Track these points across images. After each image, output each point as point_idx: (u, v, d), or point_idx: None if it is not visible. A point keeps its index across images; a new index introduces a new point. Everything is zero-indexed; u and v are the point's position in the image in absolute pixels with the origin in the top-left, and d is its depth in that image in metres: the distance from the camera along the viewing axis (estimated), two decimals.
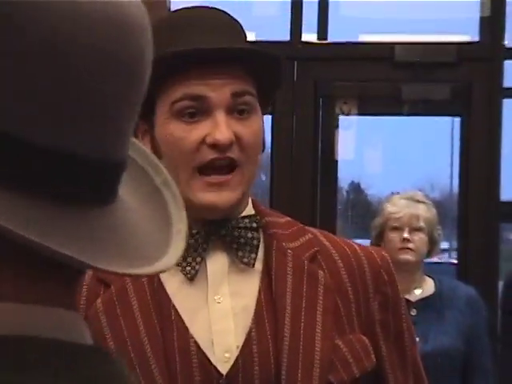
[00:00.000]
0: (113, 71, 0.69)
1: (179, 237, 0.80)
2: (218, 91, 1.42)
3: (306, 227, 1.64)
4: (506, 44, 5.29)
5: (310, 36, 5.43)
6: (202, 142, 1.42)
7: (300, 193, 4.88)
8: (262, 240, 1.55)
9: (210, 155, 1.42)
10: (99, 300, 1.50)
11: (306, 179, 4.96)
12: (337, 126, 5.44)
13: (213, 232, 1.50)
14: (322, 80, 5.09)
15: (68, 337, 0.73)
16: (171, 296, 1.49)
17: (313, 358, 1.48)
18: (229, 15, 1.54)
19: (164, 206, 0.84)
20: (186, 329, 1.47)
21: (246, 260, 1.49)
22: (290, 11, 5.26)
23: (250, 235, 1.50)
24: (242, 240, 1.50)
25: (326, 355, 1.48)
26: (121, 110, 0.72)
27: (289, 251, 1.53)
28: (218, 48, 1.44)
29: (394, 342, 1.61)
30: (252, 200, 1.59)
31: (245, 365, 1.47)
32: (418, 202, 3.65)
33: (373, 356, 1.55)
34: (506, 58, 5.27)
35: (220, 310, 1.48)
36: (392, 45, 5.21)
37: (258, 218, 1.54)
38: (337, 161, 5.44)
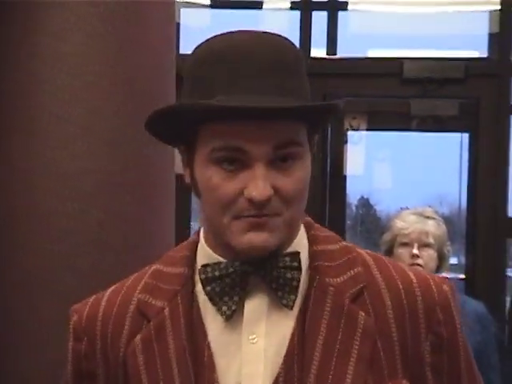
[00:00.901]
0: None
1: None
2: (259, 145, 1.36)
3: (361, 254, 1.52)
4: None
5: (319, 51, 5.41)
6: (240, 193, 1.37)
7: (309, 208, 4.84)
8: (303, 276, 1.47)
9: (246, 211, 1.37)
10: (138, 337, 1.49)
11: (315, 194, 4.93)
12: (346, 142, 5.42)
13: (251, 271, 1.44)
14: (331, 95, 5.06)
15: None
16: (209, 335, 1.46)
17: None
18: (289, 46, 1.44)
19: None
20: (215, 372, 1.44)
21: (284, 302, 1.42)
22: (299, 26, 5.25)
23: (289, 276, 1.43)
24: (282, 280, 1.43)
25: None
26: None
27: (330, 288, 1.45)
28: (268, 108, 1.35)
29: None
30: (306, 223, 1.53)
31: None
32: (428, 217, 3.62)
33: None
34: None
35: (252, 351, 1.44)
36: (401, 60, 5.18)
37: (301, 255, 1.45)
38: (346, 176, 5.43)
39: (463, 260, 5.50)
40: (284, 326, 1.42)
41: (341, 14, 5.90)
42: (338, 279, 1.43)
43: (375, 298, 1.43)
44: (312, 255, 1.46)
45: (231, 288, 1.42)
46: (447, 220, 3.87)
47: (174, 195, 3.16)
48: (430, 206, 4.13)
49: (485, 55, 5.46)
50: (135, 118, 2.89)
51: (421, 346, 1.42)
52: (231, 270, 1.41)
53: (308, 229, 1.50)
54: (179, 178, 3.29)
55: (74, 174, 2.86)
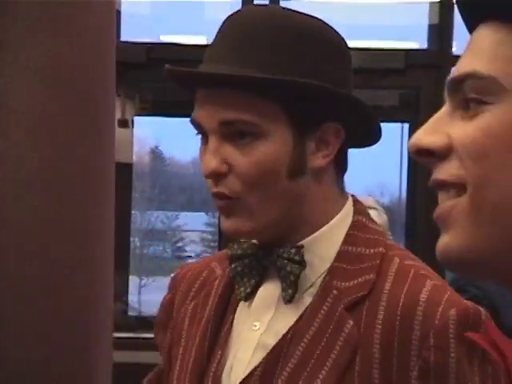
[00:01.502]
0: None
1: None
2: (207, 118, 1.35)
3: (389, 261, 1.43)
4: (453, 51, 5.40)
5: None
6: None
7: None
8: (320, 267, 1.44)
9: (210, 189, 1.38)
10: (192, 303, 1.53)
11: None
12: None
13: (262, 257, 1.44)
14: None
15: None
16: (236, 312, 1.49)
17: None
18: (271, 20, 1.39)
19: None
20: (224, 350, 1.48)
21: (283, 294, 1.41)
22: None
23: (288, 269, 1.40)
24: (283, 272, 1.41)
25: None
26: None
27: (334, 292, 1.40)
28: (204, 74, 1.36)
29: None
30: (354, 221, 1.45)
31: None
32: (369, 207, 3.55)
33: None
34: (453, 65, 5.23)
35: (250, 339, 1.45)
36: None
37: (327, 253, 1.42)
38: None
39: None
40: (287, 319, 1.41)
41: (282, 3, 5.90)
42: (347, 283, 1.39)
43: (370, 310, 1.36)
44: (338, 255, 1.41)
45: (250, 270, 1.42)
46: (388, 209, 3.93)
47: (113, 183, 3.19)
48: (370, 196, 4.17)
49: (425, 46, 5.58)
50: (75, 106, 2.88)
51: (409, 370, 1.34)
52: (249, 251, 1.41)
53: (352, 227, 1.43)
54: (120, 166, 3.31)
55: (10, 162, 2.87)
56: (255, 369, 1.41)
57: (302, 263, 1.38)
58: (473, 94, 0.84)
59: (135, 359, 4.81)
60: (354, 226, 1.43)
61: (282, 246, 1.39)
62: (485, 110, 0.83)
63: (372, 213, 3.48)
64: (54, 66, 3.10)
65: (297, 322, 1.40)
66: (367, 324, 1.34)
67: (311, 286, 1.40)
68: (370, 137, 1.54)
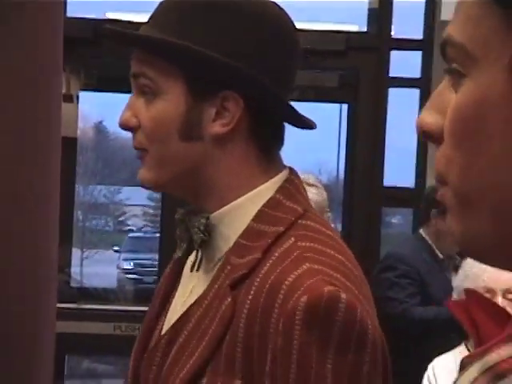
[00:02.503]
0: None
1: None
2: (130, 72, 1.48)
3: (284, 242, 1.40)
4: (392, 34, 5.48)
5: None
6: None
7: None
8: (217, 246, 1.46)
9: None
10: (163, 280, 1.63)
11: None
12: None
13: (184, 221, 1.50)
14: None
15: None
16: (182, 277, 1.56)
17: (177, 375, 1.41)
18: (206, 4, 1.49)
19: None
20: (164, 315, 1.54)
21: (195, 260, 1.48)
22: None
23: (195, 237, 1.43)
24: (193, 240, 1.45)
25: (185, 378, 1.40)
26: None
27: (228, 267, 1.41)
28: (116, 31, 1.50)
29: None
30: (270, 200, 1.45)
31: (146, 361, 1.51)
32: (309, 185, 3.64)
33: None
34: (392, 48, 5.49)
35: (174, 302, 1.52)
36: None
37: (208, 220, 1.43)
38: None
39: (339, 227, 5.72)
40: (202, 288, 1.43)
41: None
42: (240, 260, 1.39)
43: (247, 290, 1.36)
44: (244, 231, 1.42)
45: (183, 235, 1.45)
46: (326, 188, 4.00)
47: (59, 156, 3.27)
48: (311, 174, 4.25)
49: (364, 29, 5.68)
50: (21, 78, 2.94)
51: (267, 352, 1.34)
52: (181, 217, 1.45)
53: (265, 204, 1.43)
54: (64, 140, 3.36)
55: None
56: (163, 336, 1.47)
57: (204, 233, 1.40)
58: (454, 64, 0.76)
59: (77, 330, 4.93)
60: (268, 203, 1.43)
61: (199, 214, 1.43)
62: (461, 86, 0.75)
63: (313, 190, 3.56)
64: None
65: (202, 294, 1.43)
66: (241, 303, 1.35)
67: (219, 258, 1.42)
68: (295, 119, 1.54)
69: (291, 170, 1.48)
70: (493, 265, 0.80)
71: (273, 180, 1.43)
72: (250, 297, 1.33)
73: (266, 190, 1.42)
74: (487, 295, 3.14)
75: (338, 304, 1.26)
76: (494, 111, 0.72)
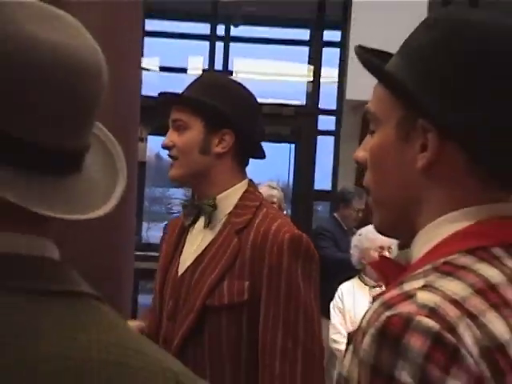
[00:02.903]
0: (57, 93, 0.90)
1: (115, 197, 1.01)
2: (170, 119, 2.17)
3: (261, 210, 2.13)
4: (319, 106, 8.10)
5: None
6: None
7: None
8: (225, 211, 2.15)
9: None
10: (170, 237, 2.31)
11: None
12: None
13: (196, 205, 2.20)
14: None
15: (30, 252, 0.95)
16: (187, 237, 2.25)
17: (204, 285, 2.08)
18: (221, 80, 2.23)
19: (114, 173, 1.06)
20: (178, 258, 2.24)
21: (204, 223, 2.16)
22: None
23: (206, 209, 2.15)
24: (204, 211, 2.17)
25: (212, 284, 2.07)
26: (62, 123, 0.92)
27: (230, 224, 2.11)
28: (169, 94, 2.16)
29: (274, 295, 2.02)
30: (247, 190, 2.17)
31: (179, 280, 2.19)
32: (273, 187, 5.54)
33: (246, 295, 2.03)
34: (319, 114, 8.28)
35: (191, 251, 2.20)
36: None
37: (213, 201, 2.14)
38: None
39: (289, 213, 8.12)
40: (208, 239, 2.16)
41: (236, 61, 8.48)
42: (237, 220, 2.09)
43: (247, 234, 2.06)
44: (235, 206, 2.13)
45: (190, 211, 2.22)
46: (282, 189, 6.06)
47: (136, 171, 3.60)
48: (274, 181, 6.19)
49: (304, 103, 8.15)
50: (113, 129, 3.18)
51: (264, 266, 2.03)
52: (189, 202, 2.24)
53: (244, 193, 2.16)
54: (140, 163, 4.21)
55: None
56: (188, 268, 2.16)
57: (213, 206, 2.12)
58: (370, 124, 1.14)
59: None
60: (244, 193, 2.14)
61: (205, 198, 2.15)
62: (373, 136, 1.13)
63: (275, 191, 6.54)
64: None
65: (212, 240, 2.12)
66: (244, 241, 2.03)
67: (220, 222, 2.13)
68: (259, 151, 2.24)
69: (249, 179, 2.19)
70: (388, 236, 1.24)
71: (243, 182, 2.15)
72: (250, 237, 2.03)
73: (241, 186, 2.15)
74: (379, 250, 4.48)
75: (303, 239, 2.01)
76: (389, 152, 1.10)
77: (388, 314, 0.97)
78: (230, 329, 2.05)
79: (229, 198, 2.14)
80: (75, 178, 0.98)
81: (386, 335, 0.95)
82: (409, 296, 0.98)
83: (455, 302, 0.97)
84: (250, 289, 2.03)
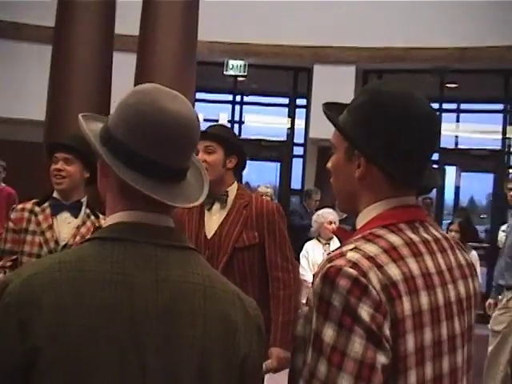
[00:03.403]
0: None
1: (204, 194, 1.62)
2: (200, 145, 3.47)
3: (252, 196, 3.67)
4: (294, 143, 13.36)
5: None
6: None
7: None
8: (231, 198, 3.61)
9: None
10: (187, 216, 3.73)
11: None
12: None
13: (213, 197, 3.57)
14: None
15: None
16: (205, 215, 3.71)
17: (231, 236, 3.57)
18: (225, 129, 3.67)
19: (201, 180, 1.65)
20: (203, 229, 3.67)
21: (220, 206, 3.67)
22: None
23: (223, 198, 3.57)
24: (220, 200, 3.60)
25: (237, 235, 3.54)
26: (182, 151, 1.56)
27: (238, 202, 3.68)
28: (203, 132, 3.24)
29: (273, 238, 3.65)
30: (239, 186, 3.66)
31: (211, 239, 3.64)
32: (267, 187, 9.08)
33: (257, 239, 3.63)
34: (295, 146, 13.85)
35: (213, 222, 3.69)
36: None
37: (226, 192, 3.60)
38: None
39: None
40: (223, 214, 3.74)
41: (246, 108, 13.98)
42: (241, 201, 3.72)
43: (250, 207, 3.68)
44: (236, 194, 3.73)
45: (209, 201, 3.74)
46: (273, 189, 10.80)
47: None
48: (267, 184, 10.53)
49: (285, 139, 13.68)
50: None
51: (263, 222, 3.67)
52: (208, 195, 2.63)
53: (238, 188, 3.76)
54: None
55: None
56: (216, 231, 3.67)
57: (226, 195, 3.65)
58: (332, 148, 1.72)
59: None
60: (239, 188, 3.74)
61: (220, 191, 3.60)
62: (333, 156, 1.72)
63: (269, 189, 11.61)
64: None
65: (227, 213, 3.71)
66: (249, 211, 3.67)
67: (229, 204, 3.70)
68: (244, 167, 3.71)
69: (238, 182, 3.72)
70: (347, 213, 2.36)
71: (236, 183, 3.76)
72: (253, 209, 3.74)
73: (236, 185, 3.74)
74: (329, 223, 7.25)
75: (281, 208, 3.87)
76: (340, 167, 1.69)
77: (329, 265, 1.54)
78: (249, 259, 3.68)
79: (232, 191, 3.73)
80: (183, 183, 1.56)
81: (327, 277, 1.53)
82: (342, 254, 1.56)
83: (369, 258, 1.55)
84: (258, 235, 3.70)
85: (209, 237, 3.66)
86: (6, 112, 11.59)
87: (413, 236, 1.67)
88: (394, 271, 1.56)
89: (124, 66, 7.85)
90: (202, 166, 1.67)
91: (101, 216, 3.91)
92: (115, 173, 1.49)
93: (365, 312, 1.49)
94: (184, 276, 1.49)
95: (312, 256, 7.17)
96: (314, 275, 1.64)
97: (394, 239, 1.63)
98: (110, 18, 7.27)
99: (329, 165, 1.76)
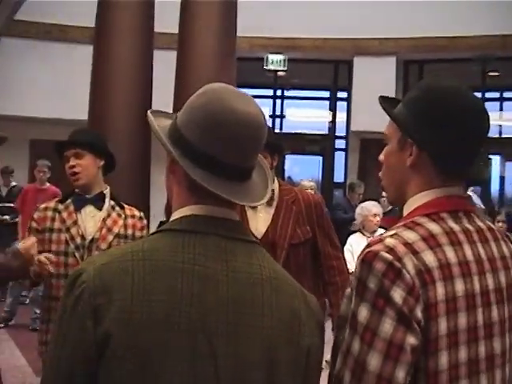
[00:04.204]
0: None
1: (268, 193, 1.67)
2: None
3: (296, 191, 3.91)
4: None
5: None
6: None
7: None
8: (276, 194, 3.80)
9: None
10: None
11: None
12: None
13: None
14: None
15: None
16: (249, 213, 3.90)
17: (286, 233, 3.79)
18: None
19: (266, 179, 1.69)
20: (247, 224, 3.81)
21: (267, 202, 3.68)
22: None
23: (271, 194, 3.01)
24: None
25: (291, 232, 3.80)
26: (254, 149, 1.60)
27: (285, 198, 3.90)
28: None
29: (322, 229, 3.90)
30: (279, 182, 3.89)
31: (263, 236, 3.80)
32: (310, 181, 9.21)
33: (310, 234, 3.88)
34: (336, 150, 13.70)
35: (263, 218, 3.89)
36: None
37: (272, 190, 3.58)
38: None
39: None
40: (272, 210, 3.95)
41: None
42: (287, 197, 3.97)
43: (298, 202, 3.95)
44: (279, 190, 3.97)
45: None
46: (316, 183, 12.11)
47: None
48: (311, 179, 12.09)
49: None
50: None
51: (313, 217, 3.95)
52: None
53: (280, 184, 3.99)
54: None
55: None
56: (268, 228, 3.90)
57: (272, 192, 3.85)
58: (386, 139, 1.80)
59: None
60: (280, 183, 3.99)
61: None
62: (386, 147, 1.84)
63: (312, 183, 12.70)
64: None
65: (275, 210, 3.93)
66: (298, 206, 3.95)
67: (275, 200, 3.93)
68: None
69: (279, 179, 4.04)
70: (394, 204, 2.01)
71: (275, 179, 4.00)
72: (301, 204, 4.00)
73: (276, 181, 3.98)
74: (373, 215, 7.42)
75: (324, 200, 4.98)
76: (393, 157, 1.83)
77: (367, 250, 1.67)
78: (304, 253, 3.90)
79: (275, 188, 3.97)
80: (249, 182, 1.61)
81: (365, 261, 1.66)
82: (381, 240, 1.68)
83: (406, 244, 1.66)
84: (310, 229, 3.93)
85: (259, 234, 3.77)
86: (51, 113, 11.90)
87: (453, 225, 1.75)
88: (429, 258, 1.65)
89: (164, 63, 7.98)
90: (267, 166, 1.71)
91: (126, 206, 3.91)
92: (184, 171, 1.54)
93: (397, 295, 1.60)
94: (251, 268, 1.55)
95: (356, 249, 7.19)
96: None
97: (434, 227, 1.72)
98: (150, 16, 7.41)
99: (381, 157, 1.86)
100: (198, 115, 1.54)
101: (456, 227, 1.75)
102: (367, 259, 1.65)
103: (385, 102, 1.88)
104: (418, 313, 1.62)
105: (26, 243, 3.26)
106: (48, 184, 9.35)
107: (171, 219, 1.60)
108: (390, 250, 1.65)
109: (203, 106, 1.54)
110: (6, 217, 9.84)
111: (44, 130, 12.09)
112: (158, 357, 1.43)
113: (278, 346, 1.53)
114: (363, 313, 1.62)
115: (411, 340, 1.61)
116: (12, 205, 9.93)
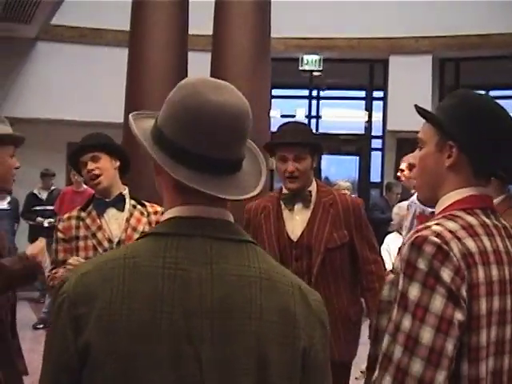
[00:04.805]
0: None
1: (261, 183, 1.59)
2: (289, 154, 3.70)
3: (334, 192, 3.84)
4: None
5: None
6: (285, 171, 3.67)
7: None
8: (314, 196, 3.70)
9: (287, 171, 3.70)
10: (262, 215, 3.87)
11: None
12: None
13: (295, 196, 3.73)
14: None
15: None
16: (283, 214, 3.87)
17: (322, 237, 3.70)
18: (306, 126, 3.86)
19: (259, 169, 1.61)
20: (284, 227, 3.82)
21: (304, 205, 3.80)
22: None
23: (307, 197, 3.74)
24: (305, 199, 3.76)
25: (328, 235, 3.70)
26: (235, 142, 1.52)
27: (323, 200, 3.79)
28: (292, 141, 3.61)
29: (360, 232, 3.78)
30: (317, 182, 3.79)
31: (299, 239, 3.75)
32: (345, 181, 9.42)
33: (347, 238, 3.77)
34: (372, 150, 13.58)
35: (298, 220, 3.82)
36: None
37: (310, 191, 3.72)
38: None
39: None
40: (308, 213, 3.87)
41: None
42: (325, 199, 3.85)
43: (335, 205, 3.83)
44: (317, 191, 3.87)
45: (291, 200, 3.87)
46: (352, 184, 12.05)
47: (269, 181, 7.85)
48: (347, 180, 12.34)
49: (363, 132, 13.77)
50: None
51: (351, 220, 3.82)
52: (290, 194, 3.80)
53: (317, 185, 3.90)
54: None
55: None
56: (303, 231, 3.80)
57: (310, 193, 3.84)
58: (419, 143, 2.00)
59: None
60: (318, 184, 3.89)
61: (303, 191, 3.79)
62: (421, 150, 2.01)
63: (348, 183, 12.02)
64: None
65: (312, 213, 3.84)
66: (336, 209, 3.83)
67: (312, 202, 3.84)
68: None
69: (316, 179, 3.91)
70: (425, 204, 2.29)
71: (314, 180, 3.92)
72: (339, 207, 3.87)
73: (314, 182, 3.90)
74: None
75: (363, 202, 4.11)
76: (430, 159, 1.99)
77: (416, 235, 1.84)
78: (341, 257, 3.81)
79: (313, 187, 3.91)
80: (238, 174, 1.56)
81: (414, 245, 1.82)
82: (428, 227, 1.86)
83: (450, 231, 1.84)
84: (347, 233, 3.83)
85: (294, 237, 3.79)
86: (88, 116, 11.94)
87: (486, 220, 1.95)
88: (470, 244, 1.85)
89: (199, 65, 7.97)
90: (259, 153, 1.66)
91: (147, 204, 3.91)
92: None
93: (446, 274, 1.77)
94: (239, 269, 1.50)
95: (393, 249, 6.96)
96: (400, 247, 1.94)
97: (471, 219, 1.91)
98: (184, 18, 7.45)
99: (414, 159, 2.04)
100: (174, 111, 1.51)
101: (488, 221, 1.95)
102: (417, 243, 1.83)
103: (419, 109, 2.03)
104: (464, 292, 1.79)
105: (34, 249, 3.24)
106: (85, 186, 9.35)
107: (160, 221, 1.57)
108: (438, 234, 1.83)
109: (179, 101, 1.51)
110: (51, 220, 9.92)
111: (81, 132, 11.73)
112: (140, 362, 1.41)
113: (269, 348, 1.48)
114: (414, 291, 1.79)
115: (459, 316, 1.78)
116: (53, 207, 10.05)
